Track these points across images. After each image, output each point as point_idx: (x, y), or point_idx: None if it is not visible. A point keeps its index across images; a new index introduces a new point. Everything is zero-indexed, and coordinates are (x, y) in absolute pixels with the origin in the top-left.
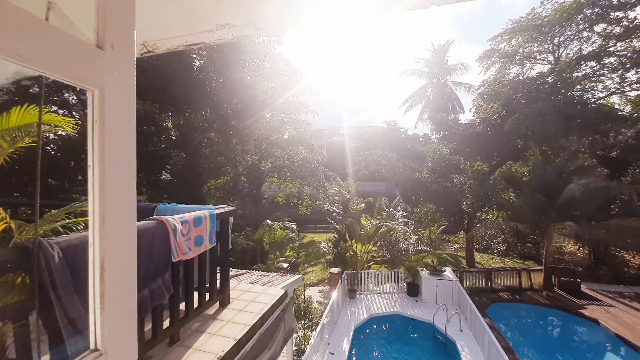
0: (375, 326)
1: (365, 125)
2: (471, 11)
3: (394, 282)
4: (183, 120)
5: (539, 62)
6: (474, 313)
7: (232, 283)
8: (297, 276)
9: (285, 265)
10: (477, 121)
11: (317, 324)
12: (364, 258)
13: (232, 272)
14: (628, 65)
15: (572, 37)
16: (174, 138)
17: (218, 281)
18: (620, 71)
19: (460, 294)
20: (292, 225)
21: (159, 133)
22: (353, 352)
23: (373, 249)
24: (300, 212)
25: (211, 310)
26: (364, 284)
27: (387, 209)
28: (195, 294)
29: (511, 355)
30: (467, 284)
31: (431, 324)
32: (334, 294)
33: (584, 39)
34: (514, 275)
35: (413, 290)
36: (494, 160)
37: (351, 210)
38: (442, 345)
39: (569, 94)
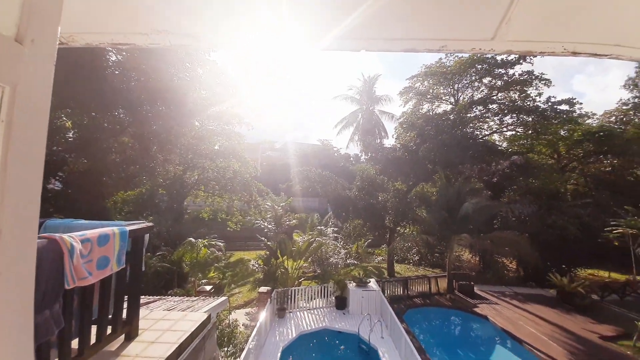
0: (303, 344)
1: (301, 142)
2: (396, 53)
3: (324, 296)
4: (87, 121)
5: (444, 101)
6: (393, 320)
7: (143, 312)
8: (223, 298)
9: (208, 287)
10: (397, 146)
11: (241, 350)
12: (294, 274)
13: (144, 298)
14: (505, 111)
15: (467, 85)
16: (71, 139)
17: (125, 310)
18: (499, 115)
19: (382, 302)
20: (219, 243)
21: (50, 133)
22: None
23: (304, 264)
24: (228, 228)
25: (113, 346)
26: (294, 301)
27: (319, 225)
28: (94, 328)
29: (423, 355)
30: (388, 292)
31: (356, 335)
32: (263, 314)
33: (475, 87)
34: (425, 282)
35: (341, 303)
36: (411, 181)
37: (284, 225)
38: (365, 354)
39: (464, 129)
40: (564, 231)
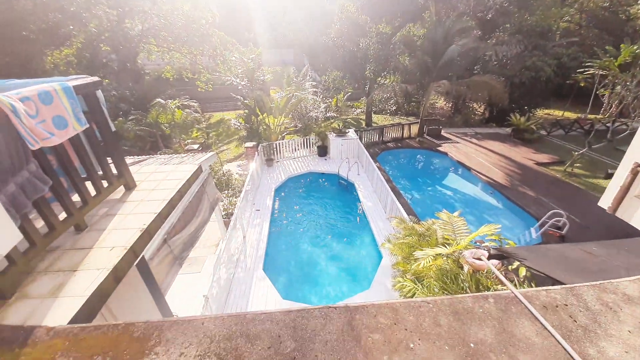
0: (292, 184)
1: None
2: None
3: (307, 147)
4: None
5: None
6: (368, 161)
7: (134, 168)
8: (210, 153)
9: (196, 146)
10: None
11: (240, 192)
12: (277, 130)
13: (132, 159)
14: None
15: None
16: None
17: (113, 167)
18: None
19: (359, 148)
20: (193, 103)
21: None
22: (276, 206)
23: (285, 120)
24: (199, 89)
25: (117, 195)
26: (280, 152)
27: (295, 79)
28: (90, 185)
29: (390, 183)
30: (365, 140)
31: (336, 174)
32: (252, 165)
33: None
34: (399, 129)
35: (322, 151)
36: (397, 21)
37: (258, 81)
38: (344, 187)
39: None
40: (538, 72)
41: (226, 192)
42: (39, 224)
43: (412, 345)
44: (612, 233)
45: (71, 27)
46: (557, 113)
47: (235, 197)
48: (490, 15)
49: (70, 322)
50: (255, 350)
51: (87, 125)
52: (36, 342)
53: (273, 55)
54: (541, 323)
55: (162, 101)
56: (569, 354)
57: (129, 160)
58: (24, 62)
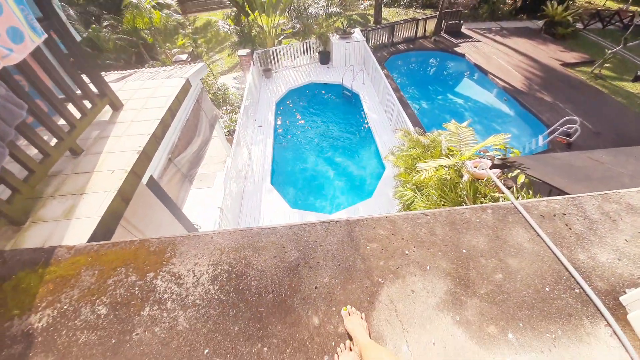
0: (293, 97)
1: None
2: None
3: (307, 53)
4: None
5: None
6: (375, 68)
7: (117, 85)
8: (200, 64)
9: (184, 56)
10: None
11: (239, 107)
12: (272, 33)
13: (115, 75)
14: None
15: None
16: None
17: (91, 85)
18: None
19: (365, 53)
20: (169, 1)
21: None
22: (278, 122)
23: (281, 21)
24: None
25: (105, 116)
26: (278, 61)
27: None
28: (72, 107)
29: (398, 93)
30: (373, 41)
31: (340, 85)
32: (249, 77)
33: None
34: (413, 25)
35: (324, 58)
36: None
37: None
38: (349, 98)
39: None
40: None
41: (224, 108)
42: (33, 152)
43: (407, 252)
44: (624, 140)
45: None
46: (599, 1)
47: (235, 114)
48: None
49: (89, 240)
50: (262, 259)
51: (46, 35)
52: (59, 261)
53: None
54: (535, 230)
55: (134, 1)
56: (558, 257)
57: (114, 76)
58: None
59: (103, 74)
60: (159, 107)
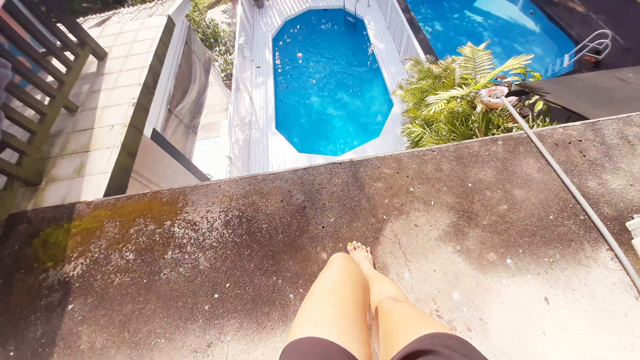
0: (291, 29)
1: None
2: None
3: None
4: None
5: None
6: None
7: (97, 31)
8: None
9: None
10: None
11: (233, 47)
12: None
13: (93, 19)
14: None
15: None
16: None
17: (69, 35)
18: None
19: None
20: None
21: None
22: (277, 59)
23: None
24: None
25: (91, 68)
26: None
27: None
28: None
29: (408, 14)
30: None
31: (342, 9)
32: (239, 9)
33: None
34: None
35: None
36: None
37: None
38: (352, 25)
39: None
40: None
41: (217, 49)
42: (30, 113)
43: (412, 189)
44: None
45: None
46: None
47: (230, 54)
48: None
49: (105, 195)
50: (270, 203)
51: None
52: (82, 215)
53: None
54: (546, 159)
55: None
56: (566, 186)
57: (93, 20)
58: None
59: (81, 20)
60: (145, 52)
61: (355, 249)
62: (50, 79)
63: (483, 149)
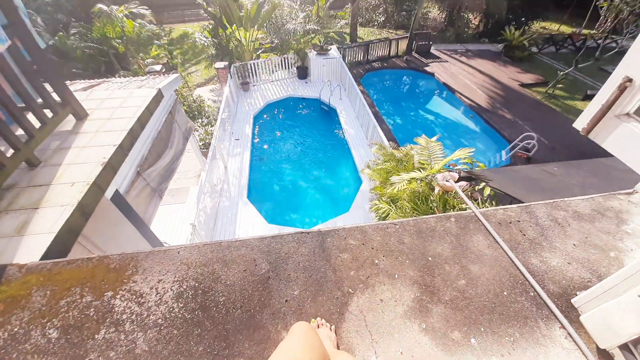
0: (271, 111)
1: None
2: None
3: (285, 68)
4: None
5: None
6: (351, 84)
7: (83, 94)
8: (174, 75)
9: (158, 67)
10: None
11: (215, 120)
12: (251, 47)
13: (82, 84)
14: None
15: None
16: None
17: (54, 94)
18: None
19: (342, 69)
20: (144, 11)
21: None
22: (256, 134)
23: (260, 35)
24: None
25: (67, 126)
26: (256, 74)
27: None
28: (32, 116)
29: (373, 108)
30: (349, 58)
31: (318, 99)
32: (226, 90)
33: None
34: (386, 45)
35: (302, 72)
36: None
37: None
38: (326, 113)
39: None
40: None
41: (199, 120)
42: None
43: (377, 261)
44: (576, 154)
45: None
46: (553, 27)
47: (211, 126)
48: None
49: (42, 258)
50: (231, 273)
51: (10, 42)
52: (10, 280)
53: None
54: (493, 237)
55: (106, 8)
56: (514, 262)
57: (80, 85)
58: None
59: (68, 82)
60: (128, 117)
61: (318, 326)
62: (20, 132)
63: (439, 224)
